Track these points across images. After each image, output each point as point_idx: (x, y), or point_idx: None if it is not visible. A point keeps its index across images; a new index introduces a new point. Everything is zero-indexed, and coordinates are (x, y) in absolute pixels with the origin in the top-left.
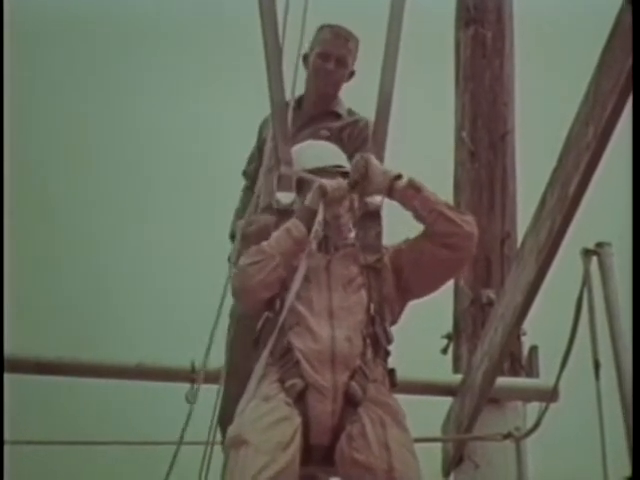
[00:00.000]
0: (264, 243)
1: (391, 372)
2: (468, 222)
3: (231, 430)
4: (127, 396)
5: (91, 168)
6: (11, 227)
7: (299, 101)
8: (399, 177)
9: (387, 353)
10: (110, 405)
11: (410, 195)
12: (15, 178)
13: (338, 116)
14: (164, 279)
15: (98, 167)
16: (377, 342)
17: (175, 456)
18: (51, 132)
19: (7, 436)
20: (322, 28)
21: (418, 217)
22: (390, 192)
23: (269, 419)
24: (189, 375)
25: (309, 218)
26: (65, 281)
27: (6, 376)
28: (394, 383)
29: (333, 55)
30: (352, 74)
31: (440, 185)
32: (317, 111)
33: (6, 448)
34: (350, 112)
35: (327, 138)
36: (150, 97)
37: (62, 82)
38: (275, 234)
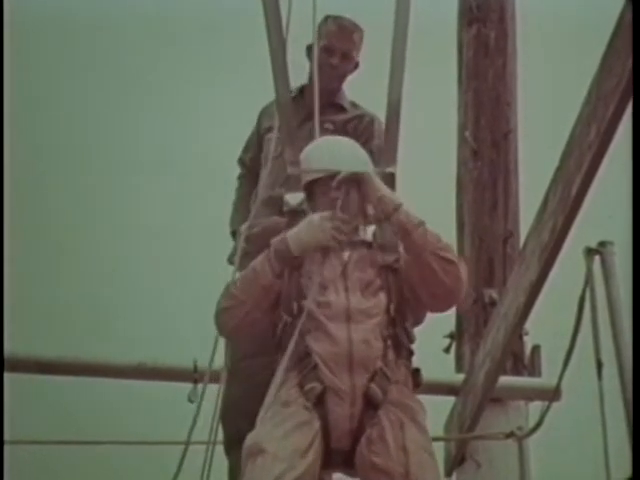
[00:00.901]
0: (239, 283)
1: (415, 372)
2: (453, 276)
3: (249, 439)
4: (128, 396)
5: (92, 168)
6: (11, 227)
7: (301, 91)
8: (398, 207)
9: (410, 353)
10: (111, 405)
11: (401, 234)
12: (15, 178)
13: (342, 109)
14: (166, 278)
15: (99, 167)
16: (399, 343)
17: (183, 457)
18: (51, 133)
19: (7, 436)
20: (326, 20)
21: (406, 253)
22: (386, 221)
23: (287, 425)
24: (191, 375)
25: (285, 262)
26: (66, 280)
27: (6, 375)
28: (418, 383)
29: (338, 49)
30: (356, 65)
31: (443, 184)
32: (320, 103)
33: (6, 448)
34: (354, 105)
35: (332, 132)
36: (151, 97)
37: (62, 82)
38: (245, 272)
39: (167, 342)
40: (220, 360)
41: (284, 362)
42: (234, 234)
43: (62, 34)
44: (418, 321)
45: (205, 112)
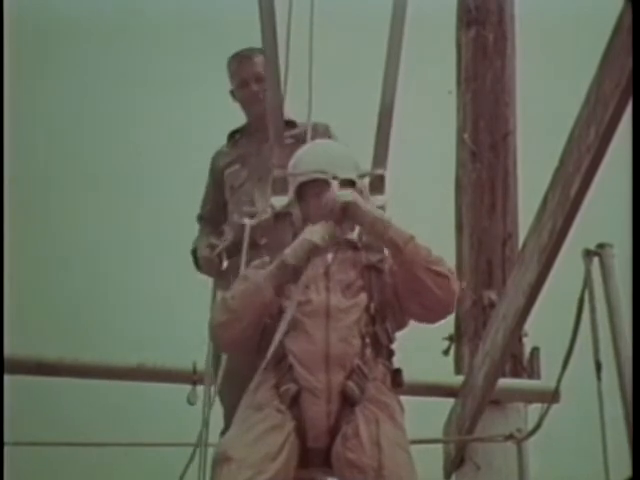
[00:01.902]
0: (237, 295)
1: (396, 372)
2: (446, 290)
3: (217, 446)
4: (128, 397)
5: (92, 168)
6: (11, 227)
7: (245, 128)
8: (388, 226)
9: (390, 352)
10: (111, 406)
11: (393, 251)
12: (16, 179)
13: (293, 124)
14: (166, 279)
15: (99, 168)
16: (377, 341)
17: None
18: (51, 133)
19: (7, 437)
20: (228, 63)
21: (398, 269)
22: (374, 238)
23: (257, 431)
24: (190, 376)
25: (288, 275)
26: (66, 281)
27: (6, 377)
28: (400, 383)
29: (249, 77)
30: None
31: (442, 186)
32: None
33: (6, 449)
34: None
35: (293, 145)
36: (149, 97)
37: (60, 80)
38: (245, 286)
39: (166, 344)
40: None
41: (262, 365)
42: (194, 252)
43: (61, 34)
44: (400, 326)
45: (204, 112)
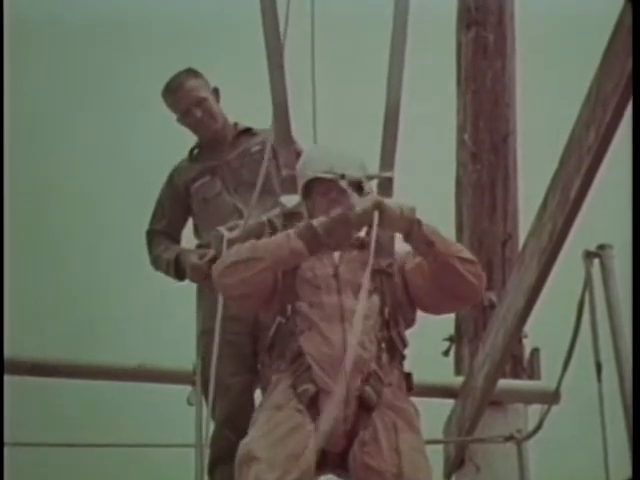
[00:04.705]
0: (262, 241)
1: (407, 376)
2: (477, 276)
3: (242, 446)
4: (127, 398)
5: (91, 167)
6: (11, 228)
7: (202, 144)
8: (419, 222)
9: (403, 357)
10: (110, 407)
11: (423, 250)
12: (15, 179)
13: (250, 130)
14: (165, 279)
15: (98, 167)
16: (392, 346)
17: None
18: (51, 133)
19: (7, 438)
20: (163, 96)
21: (429, 266)
22: (405, 238)
23: (280, 431)
24: (190, 377)
25: (313, 241)
26: (65, 282)
27: (5, 378)
28: (410, 387)
29: (190, 105)
30: (216, 92)
31: (442, 187)
32: (230, 139)
33: (6, 450)
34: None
35: (259, 152)
36: (149, 99)
37: (56, 84)
38: (274, 238)
39: (166, 344)
40: None
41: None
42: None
43: (60, 35)
44: (410, 324)
45: None
